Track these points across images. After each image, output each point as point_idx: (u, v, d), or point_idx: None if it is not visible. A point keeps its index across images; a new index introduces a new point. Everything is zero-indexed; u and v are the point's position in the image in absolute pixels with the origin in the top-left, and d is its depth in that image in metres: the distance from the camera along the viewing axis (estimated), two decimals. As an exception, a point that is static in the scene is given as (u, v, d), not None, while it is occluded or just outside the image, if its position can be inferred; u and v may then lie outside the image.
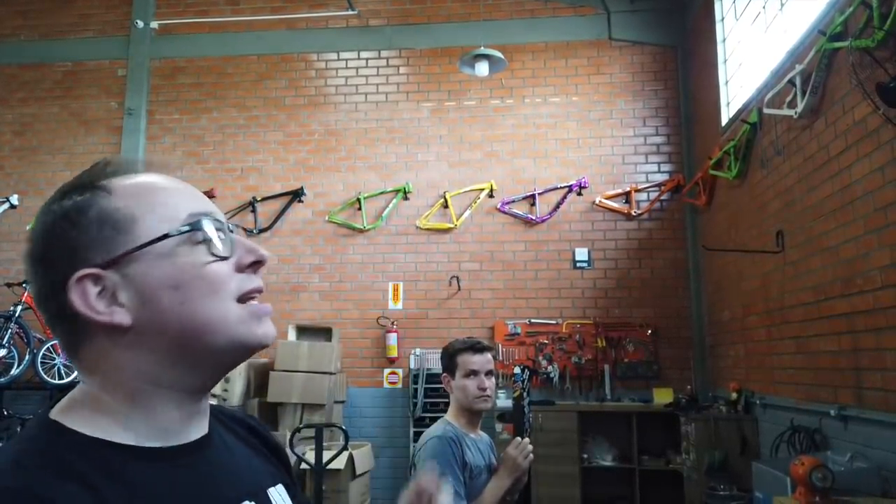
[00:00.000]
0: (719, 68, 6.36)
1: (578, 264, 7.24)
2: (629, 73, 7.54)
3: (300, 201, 7.60)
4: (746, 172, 5.56)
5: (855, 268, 3.81)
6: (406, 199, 7.51)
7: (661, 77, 7.48)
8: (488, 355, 2.51)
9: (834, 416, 3.98)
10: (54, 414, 0.73)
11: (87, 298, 0.71)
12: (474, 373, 2.44)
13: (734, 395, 5.72)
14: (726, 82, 6.31)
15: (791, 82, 4.42)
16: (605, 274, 7.23)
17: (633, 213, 7.24)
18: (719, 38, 6.39)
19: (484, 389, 2.44)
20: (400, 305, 7.35)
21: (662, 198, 7.28)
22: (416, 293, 7.32)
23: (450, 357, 2.52)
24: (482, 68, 6.02)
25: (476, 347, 2.49)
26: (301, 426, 5.39)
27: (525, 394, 6.08)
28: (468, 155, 7.58)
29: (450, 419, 2.48)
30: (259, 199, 7.63)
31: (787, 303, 4.78)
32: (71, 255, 0.71)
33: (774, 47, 5.11)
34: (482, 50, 5.88)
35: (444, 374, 2.54)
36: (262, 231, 7.55)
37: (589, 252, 7.26)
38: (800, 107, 4.27)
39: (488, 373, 2.48)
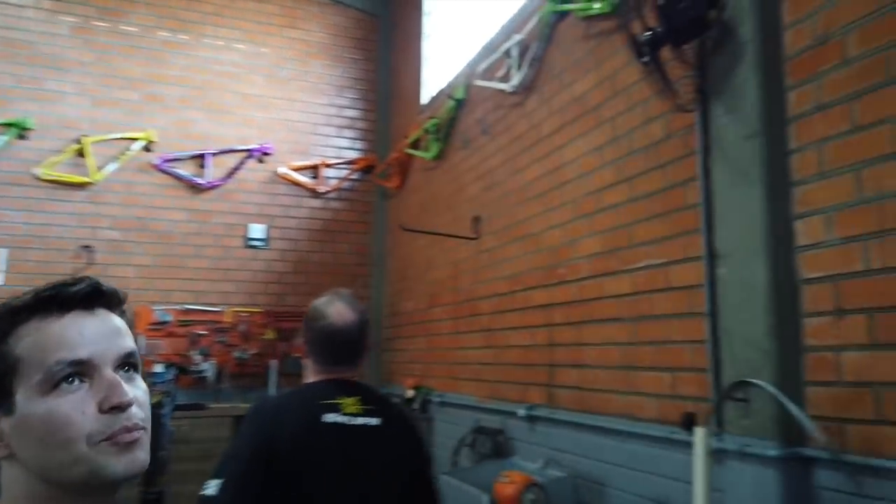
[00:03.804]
0: (422, 43, 5.93)
1: (252, 243, 6.17)
2: (328, 35, 6.74)
3: None
4: (446, 153, 5.16)
5: (559, 256, 3.52)
6: (23, 137, 5.55)
7: (362, 46, 6.84)
8: None
9: (522, 417, 3.65)
10: None
11: None
12: None
13: (411, 393, 5.29)
14: (429, 58, 5.90)
15: (507, 53, 4.06)
16: (282, 256, 6.28)
17: (320, 191, 6.44)
18: (425, 10, 5.97)
19: None
20: (1, 280, 5.38)
21: (353, 177, 6.62)
22: (27, 265, 5.44)
23: None
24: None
25: None
26: None
27: (168, 398, 4.80)
28: (121, 93, 5.94)
29: None
30: None
31: (478, 293, 4.43)
32: None
33: (489, 22, 4.77)
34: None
35: None
36: None
37: (266, 229, 6.24)
38: (515, 79, 3.91)
39: None
